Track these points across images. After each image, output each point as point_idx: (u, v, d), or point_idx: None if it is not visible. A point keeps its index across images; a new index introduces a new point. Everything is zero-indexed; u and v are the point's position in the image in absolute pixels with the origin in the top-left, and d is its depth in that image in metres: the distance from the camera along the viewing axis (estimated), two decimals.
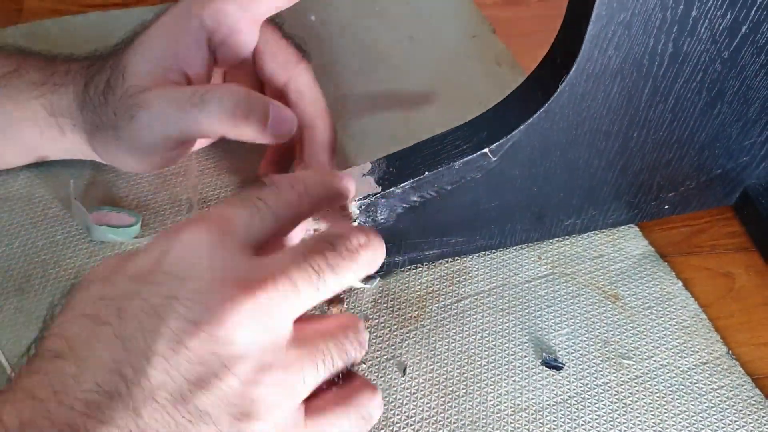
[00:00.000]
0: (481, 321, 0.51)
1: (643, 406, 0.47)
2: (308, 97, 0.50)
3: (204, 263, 0.29)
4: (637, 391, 0.48)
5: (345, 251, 0.32)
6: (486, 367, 0.49)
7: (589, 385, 0.48)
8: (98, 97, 0.46)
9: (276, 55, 0.50)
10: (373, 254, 0.33)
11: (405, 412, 0.47)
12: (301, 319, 0.32)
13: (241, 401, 0.28)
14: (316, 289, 0.31)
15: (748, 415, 0.47)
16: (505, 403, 0.47)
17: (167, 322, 0.27)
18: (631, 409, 0.47)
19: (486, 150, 0.46)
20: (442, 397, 0.47)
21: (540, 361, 0.49)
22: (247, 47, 0.49)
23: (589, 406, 0.47)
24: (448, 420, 0.46)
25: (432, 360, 0.49)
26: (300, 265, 0.30)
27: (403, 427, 0.46)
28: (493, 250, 0.55)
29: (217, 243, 0.30)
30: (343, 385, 0.34)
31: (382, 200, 0.47)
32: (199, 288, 0.28)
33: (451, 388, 0.48)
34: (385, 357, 0.49)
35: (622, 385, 0.48)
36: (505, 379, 0.48)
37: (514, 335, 0.50)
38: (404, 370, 0.49)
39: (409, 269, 0.54)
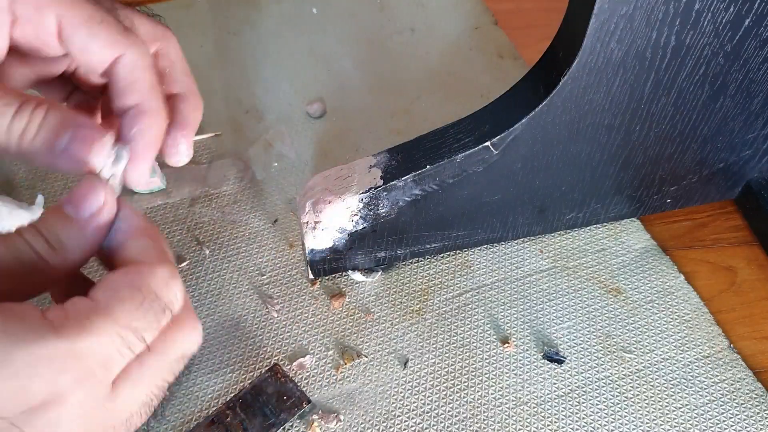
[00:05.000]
0: (482, 314, 0.51)
1: (645, 399, 0.48)
2: (180, 67, 0.39)
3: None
4: (638, 384, 0.48)
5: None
6: (487, 361, 0.49)
7: (590, 379, 0.48)
8: None
9: (95, 34, 0.36)
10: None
11: (407, 405, 0.47)
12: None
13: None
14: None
15: (750, 408, 0.47)
16: (506, 396, 0.47)
17: None
18: (633, 402, 0.47)
19: (488, 143, 0.46)
20: (443, 390, 0.47)
21: (542, 354, 0.49)
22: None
23: (590, 400, 0.47)
24: (450, 413, 0.46)
25: (434, 353, 0.49)
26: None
27: (405, 420, 0.46)
28: (495, 244, 0.55)
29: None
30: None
31: (384, 193, 0.47)
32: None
33: (452, 381, 0.48)
34: (386, 350, 0.49)
35: (623, 378, 0.48)
36: (506, 373, 0.48)
37: (515, 329, 0.51)
38: (406, 363, 0.49)
39: (411, 263, 0.54)
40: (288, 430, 0.45)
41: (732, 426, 0.46)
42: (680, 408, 0.47)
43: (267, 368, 0.47)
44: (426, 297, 0.52)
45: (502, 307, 0.52)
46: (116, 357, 0.27)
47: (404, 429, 0.46)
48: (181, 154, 0.38)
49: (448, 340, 0.50)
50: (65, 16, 0.35)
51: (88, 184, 0.31)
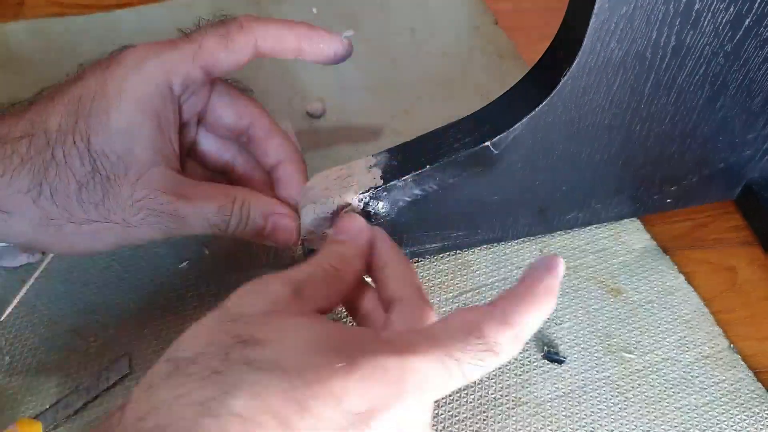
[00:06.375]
0: None
1: (645, 399, 0.47)
2: (276, 137, 0.49)
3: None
4: (638, 384, 0.48)
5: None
6: None
7: (590, 379, 0.48)
8: (77, 197, 0.40)
9: (232, 104, 0.48)
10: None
11: None
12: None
13: None
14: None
15: (750, 409, 0.47)
16: (506, 396, 0.47)
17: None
18: (633, 402, 0.47)
19: (488, 143, 0.45)
20: None
21: (541, 354, 0.49)
22: (203, 104, 0.47)
23: (590, 400, 0.47)
24: (450, 413, 0.46)
25: None
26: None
27: None
28: (495, 244, 0.55)
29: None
30: None
31: (384, 193, 0.47)
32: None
33: None
34: None
35: (623, 378, 0.48)
36: (506, 373, 0.48)
37: None
38: None
39: (411, 263, 0.54)
40: None
41: (732, 426, 0.46)
42: (680, 408, 0.47)
43: None
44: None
45: None
46: (437, 381, 0.30)
47: None
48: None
49: None
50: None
51: (348, 216, 0.43)
